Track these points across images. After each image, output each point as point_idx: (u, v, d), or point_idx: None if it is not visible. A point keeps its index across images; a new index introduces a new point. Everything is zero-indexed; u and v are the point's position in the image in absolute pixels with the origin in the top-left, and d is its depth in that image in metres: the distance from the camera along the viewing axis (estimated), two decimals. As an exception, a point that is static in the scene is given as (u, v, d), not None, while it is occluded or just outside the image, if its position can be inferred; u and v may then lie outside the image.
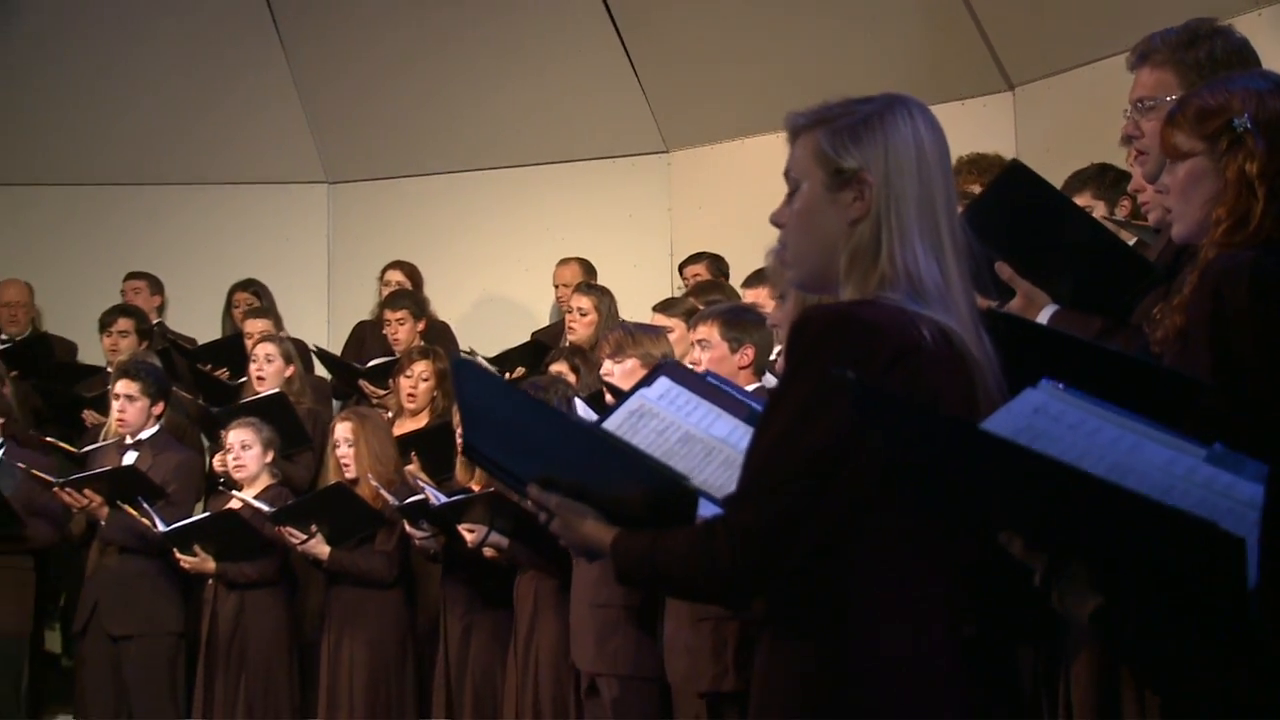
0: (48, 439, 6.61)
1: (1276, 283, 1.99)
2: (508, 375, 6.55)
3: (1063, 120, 6.33)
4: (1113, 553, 1.69)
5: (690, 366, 3.53)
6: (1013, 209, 2.84)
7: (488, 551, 5.06)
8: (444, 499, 5.15)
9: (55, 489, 5.85)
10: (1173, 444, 1.61)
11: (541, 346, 6.91)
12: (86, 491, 5.79)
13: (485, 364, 6.64)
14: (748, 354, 4.48)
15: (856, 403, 1.75)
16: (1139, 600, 1.74)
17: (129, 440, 6.04)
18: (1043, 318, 2.82)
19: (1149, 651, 1.85)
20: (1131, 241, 3.37)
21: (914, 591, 1.89)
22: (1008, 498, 1.75)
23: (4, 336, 7.59)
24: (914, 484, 1.85)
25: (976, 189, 4.94)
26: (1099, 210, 4.27)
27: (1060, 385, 1.66)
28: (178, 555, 5.68)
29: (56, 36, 8.17)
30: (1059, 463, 1.55)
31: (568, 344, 6.39)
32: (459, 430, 5.03)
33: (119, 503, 5.80)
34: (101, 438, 6.34)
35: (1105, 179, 4.51)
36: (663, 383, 2.19)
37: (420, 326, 7.00)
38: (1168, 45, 2.68)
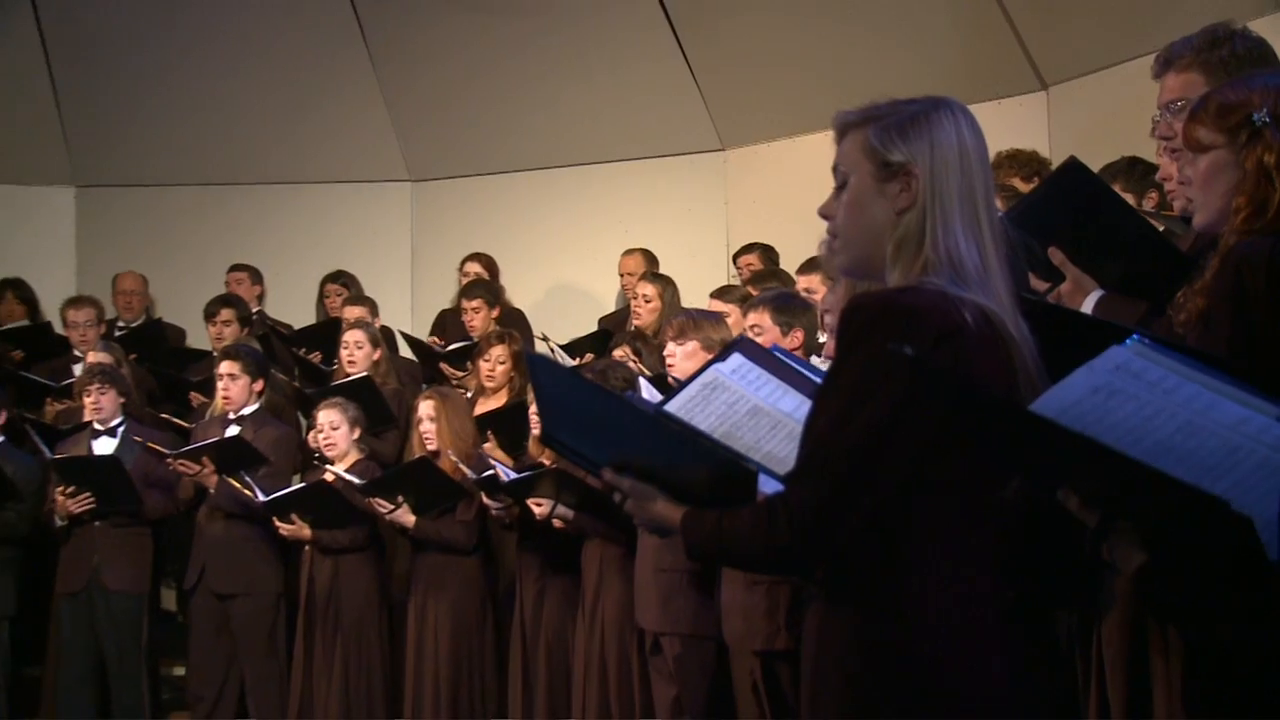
0: (162, 414, 6.70)
1: None
2: (577, 360, 6.54)
3: (1095, 118, 6.23)
4: (1149, 519, 1.67)
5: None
6: (1067, 200, 2.84)
7: (555, 523, 5.07)
8: (513, 475, 5.17)
9: (169, 460, 5.93)
10: (1249, 403, 1.56)
11: (608, 334, 6.91)
12: (197, 459, 5.85)
13: (559, 354, 6.66)
14: (797, 336, 4.48)
15: (912, 376, 1.74)
16: (1177, 561, 1.73)
17: (232, 416, 6.09)
18: (1089, 300, 2.80)
19: (1185, 606, 1.84)
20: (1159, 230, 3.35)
21: (962, 558, 1.88)
22: (1053, 465, 1.73)
23: (121, 323, 7.70)
24: (962, 455, 1.84)
25: (1016, 182, 4.91)
26: (1128, 202, 4.25)
27: (1146, 341, 1.62)
28: (277, 523, 5.73)
29: (172, 56, 8.26)
30: (1089, 439, 1.52)
31: (632, 328, 6.39)
32: (533, 415, 5.07)
33: (225, 474, 5.87)
34: (208, 415, 6.41)
35: (1135, 172, 4.45)
36: (736, 358, 2.17)
37: (495, 313, 7.01)
38: (1191, 49, 2.66)
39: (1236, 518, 1.45)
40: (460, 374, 6.63)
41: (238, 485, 5.81)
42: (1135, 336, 1.63)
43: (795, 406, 2.10)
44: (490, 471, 5.28)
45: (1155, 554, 1.73)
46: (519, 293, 7.78)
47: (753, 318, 4.58)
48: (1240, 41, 2.63)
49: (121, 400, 6.21)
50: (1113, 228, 2.82)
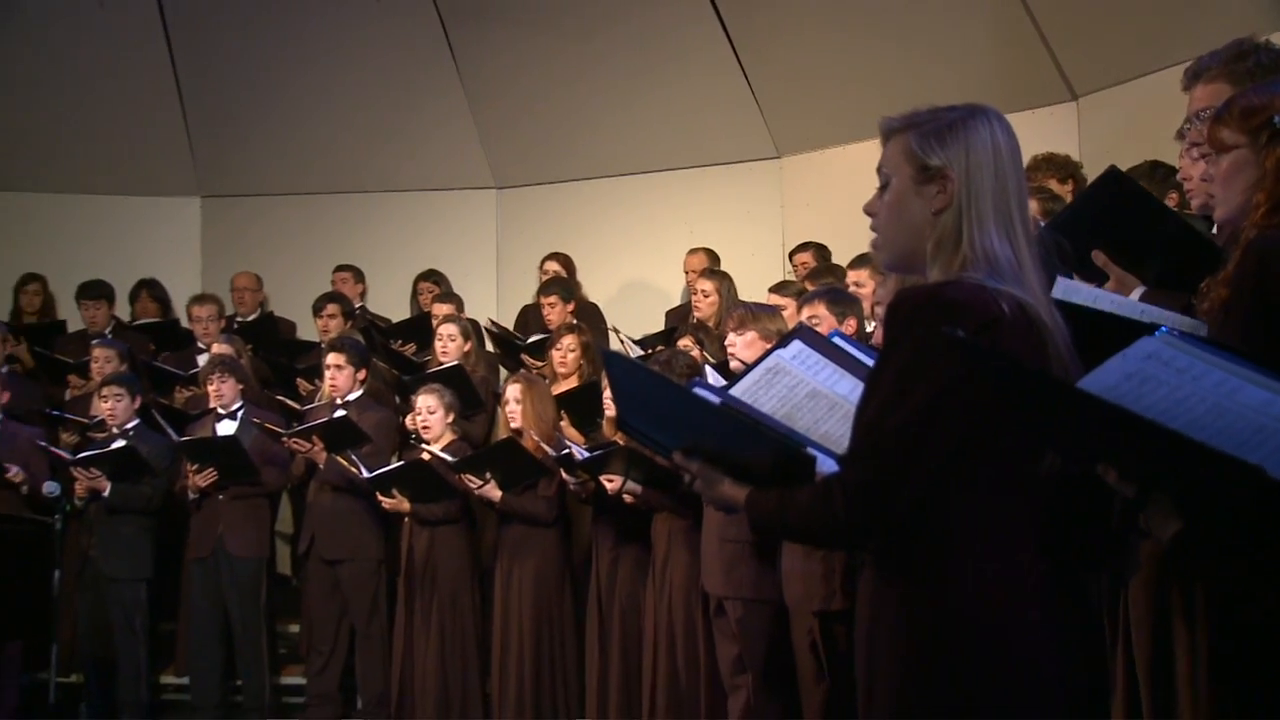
0: (278, 397, 6.78)
1: None
2: (648, 352, 6.53)
3: (1123, 127, 6.10)
4: (1187, 488, 1.65)
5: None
6: (1108, 206, 2.82)
7: (626, 497, 5.07)
8: (586, 454, 5.18)
9: (284, 439, 6.01)
10: (1272, 387, 1.54)
11: (674, 329, 6.90)
12: (308, 439, 5.92)
13: (629, 345, 6.66)
14: (850, 325, 4.47)
15: (965, 358, 1.72)
16: (1212, 528, 1.71)
17: (338, 401, 6.14)
18: (1133, 297, 2.78)
19: (1219, 570, 1.83)
20: None
21: (1005, 529, 1.87)
22: (1095, 440, 1.71)
23: (239, 318, 7.79)
24: (1002, 434, 1.82)
25: (1052, 183, 4.84)
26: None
27: (1175, 333, 1.60)
28: (379, 497, 5.78)
29: (284, 80, 8.35)
30: (1136, 414, 1.51)
31: (694, 320, 6.37)
32: (607, 399, 5.08)
33: (332, 452, 5.93)
34: (317, 400, 6.46)
35: (1156, 175, 4.39)
36: (796, 345, 2.15)
37: (571, 307, 7.02)
38: (1219, 61, 2.62)
39: (1272, 483, 1.43)
40: (539, 364, 6.66)
41: (344, 462, 5.87)
42: (1164, 329, 1.60)
43: (851, 389, 2.08)
44: (568, 450, 5.30)
45: (1191, 522, 1.71)
46: (593, 288, 7.79)
47: (809, 309, 4.57)
48: (1265, 54, 2.59)
49: (240, 387, 6.29)
50: (1151, 228, 2.79)
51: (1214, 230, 2.81)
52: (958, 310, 1.81)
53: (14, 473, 6.03)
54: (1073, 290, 2.09)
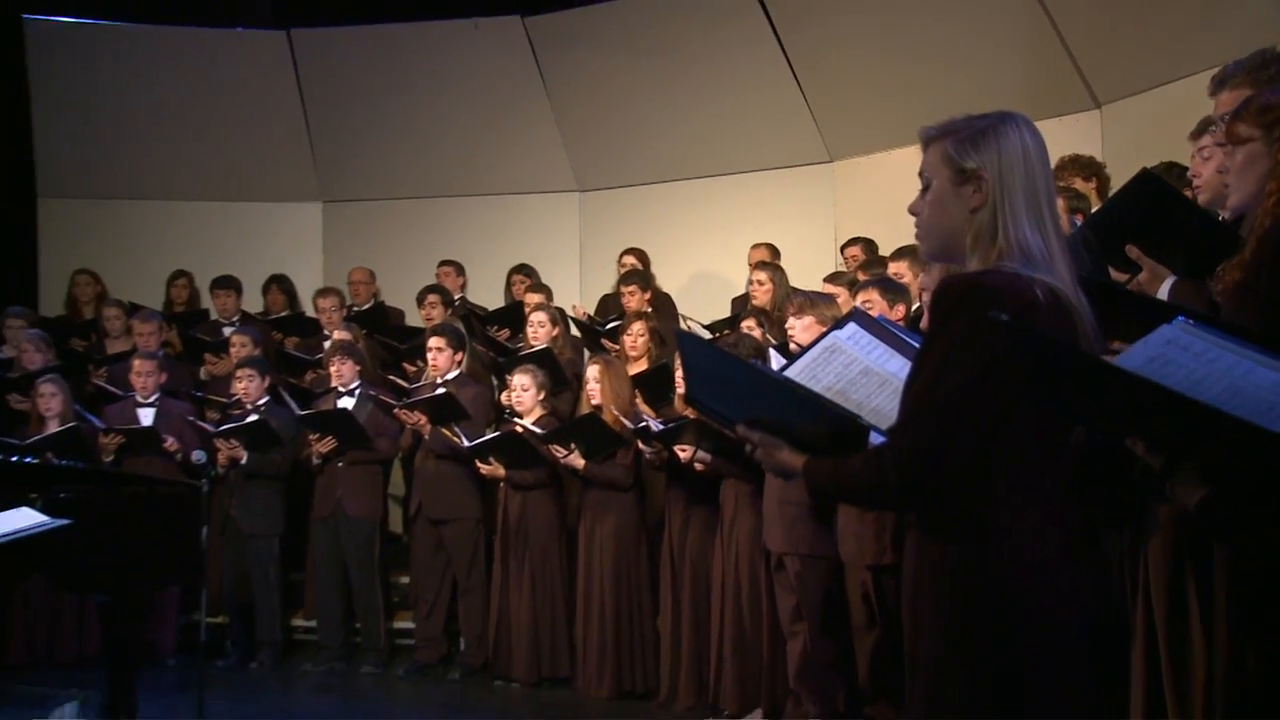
0: (389, 376, 6.86)
1: None
2: (716, 335, 6.52)
3: (1145, 134, 5.88)
4: (1213, 457, 1.64)
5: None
6: (1141, 204, 2.78)
7: (696, 465, 5.07)
8: (661, 426, 5.18)
9: (395, 411, 6.07)
10: None
11: (739, 316, 6.88)
12: (416, 413, 5.98)
13: (698, 331, 6.65)
14: (900, 310, 4.43)
15: (1010, 339, 1.71)
16: (1237, 493, 1.69)
17: (440, 380, 6.18)
18: (1165, 286, 2.75)
19: (1244, 531, 1.80)
20: None
21: (1036, 494, 1.86)
22: (1129, 413, 1.69)
23: (355, 307, 7.87)
24: (1036, 408, 1.81)
25: (1077, 182, 4.74)
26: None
27: (1191, 321, 1.59)
28: (478, 464, 5.84)
29: (395, 96, 8.44)
30: (1164, 387, 1.50)
31: (752, 306, 6.38)
32: (679, 381, 5.08)
33: (436, 424, 5.98)
34: (422, 379, 6.51)
35: (1172, 174, 4.29)
36: (851, 326, 2.14)
37: (647, 296, 7.00)
38: (1243, 70, 2.59)
39: None
40: (617, 346, 6.69)
41: (447, 433, 5.93)
42: (1181, 317, 1.60)
43: (900, 368, 2.06)
44: (644, 424, 5.31)
45: (1215, 488, 1.68)
46: (666, 279, 7.77)
47: (864, 295, 4.54)
48: None
49: (358, 368, 6.36)
50: (1181, 224, 2.75)
51: (1221, 219, 2.77)
52: (997, 296, 1.80)
53: (170, 443, 6.20)
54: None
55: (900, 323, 4.25)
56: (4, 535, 3.98)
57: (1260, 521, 1.73)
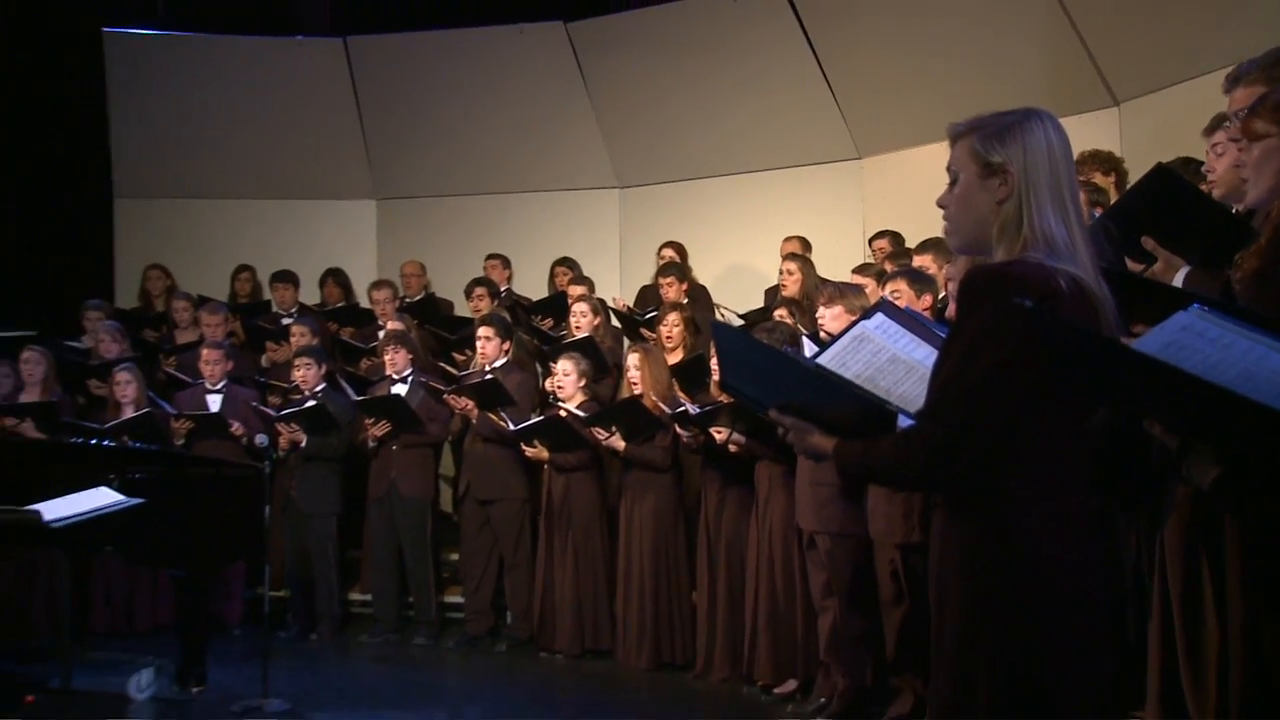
0: (440, 364, 6.88)
1: None
2: (750, 325, 6.50)
3: (1162, 131, 5.75)
4: (1227, 437, 1.63)
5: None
6: (1157, 197, 2.76)
7: (731, 447, 5.07)
8: (698, 410, 5.18)
9: (445, 396, 6.09)
10: None
11: (772, 306, 6.86)
12: (464, 398, 6.01)
13: (734, 321, 6.63)
14: (927, 300, 4.41)
15: (1033, 325, 1.70)
16: (1250, 472, 1.67)
17: (488, 368, 6.20)
18: (1180, 275, 2.73)
19: (1257, 509, 1.79)
20: None
21: (1057, 475, 1.85)
22: (1151, 397, 1.68)
23: (408, 299, 7.91)
24: (1058, 393, 1.79)
25: (1097, 176, 4.68)
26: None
27: (1206, 308, 1.58)
28: (523, 447, 5.85)
29: (444, 99, 8.49)
30: (1190, 374, 1.49)
31: (782, 296, 6.37)
32: (713, 366, 5.07)
33: (483, 409, 6.00)
34: (470, 367, 6.53)
35: (1188, 169, 4.24)
36: (879, 316, 2.13)
37: (684, 287, 6.98)
38: (1257, 67, 2.56)
39: None
40: (655, 336, 6.68)
41: (494, 417, 5.96)
42: (1196, 305, 1.58)
43: (926, 356, 2.05)
44: (681, 408, 5.31)
45: (1229, 468, 1.66)
46: (702, 271, 7.75)
47: (892, 285, 4.52)
48: None
49: (410, 356, 6.39)
50: (1195, 216, 2.72)
51: (1235, 211, 2.73)
52: (1022, 285, 1.79)
53: (236, 427, 6.27)
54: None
55: (926, 313, 4.24)
56: (85, 513, 4.07)
57: (1272, 500, 1.71)
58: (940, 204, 2.01)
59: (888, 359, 2.08)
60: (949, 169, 1.99)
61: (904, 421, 1.96)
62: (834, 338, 2.26)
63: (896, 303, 4.27)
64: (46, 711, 4.75)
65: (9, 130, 8.12)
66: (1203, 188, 4.03)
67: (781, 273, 6.45)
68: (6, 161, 8.15)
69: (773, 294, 7.15)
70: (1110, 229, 2.65)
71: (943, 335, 2.08)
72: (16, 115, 8.15)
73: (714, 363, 5.14)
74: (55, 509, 4.04)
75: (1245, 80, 2.56)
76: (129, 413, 6.18)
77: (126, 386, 6.30)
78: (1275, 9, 5.42)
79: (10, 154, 8.15)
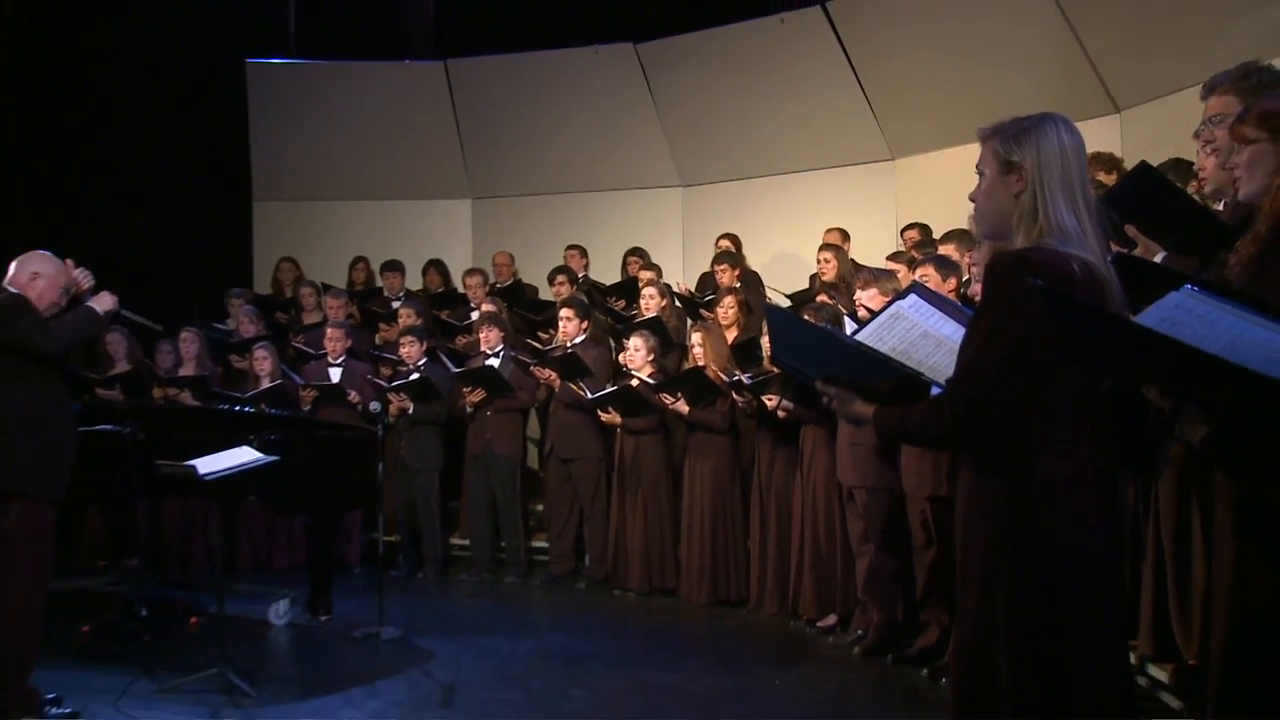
0: (527, 341, 6.94)
1: None
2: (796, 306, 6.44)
3: (1162, 137, 5.49)
4: (1215, 398, 1.63)
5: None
6: (1140, 191, 2.74)
7: (781, 413, 5.06)
8: (751, 380, 5.16)
9: (532, 369, 6.12)
10: (1273, 329, 1.53)
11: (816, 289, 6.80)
12: (548, 370, 6.06)
13: (783, 303, 6.58)
14: (951, 283, 4.34)
15: (1045, 303, 1.69)
16: (1233, 431, 1.68)
17: (568, 344, 6.23)
18: (1156, 259, 2.71)
19: (1240, 462, 1.78)
20: None
21: (1070, 437, 1.85)
22: (1148, 364, 1.68)
23: (498, 284, 7.97)
24: (1076, 361, 1.79)
25: (1100, 175, 4.60)
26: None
27: (1196, 288, 1.58)
28: (599, 412, 5.88)
29: (529, 104, 8.47)
30: (1180, 342, 1.50)
31: (820, 281, 6.33)
32: (765, 343, 5.05)
33: (565, 380, 6.03)
34: (553, 343, 6.55)
35: (1179, 169, 4.15)
36: (912, 297, 2.12)
37: (737, 273, 6.93)
38: (1229, 79, 2.53)
39: None
40: (713, 316, 6.65)
41: (574, 387, 6.00)
42: (1189, 285, 1.59)
43: (954, 331, 2.05)
44: (738, 377, 5.30)
45: (1217, 427, 1.66)
46: (754, 259, 7.67)
47: (921, 270, 4.44)
48: (1265, 74, 2.51)
49: (501, 334, 6.40)
50: (1172, 208, 2.70)
51: (1218, 207, 2.72)
52: (1041, 268, 1.79)
53: (353, 396, 6.36)
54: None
55: (951, 294, 4.17)
56: (232, 468, 4.20)
57: (1256, 454, 1.71)
58: (971, 197, 2.02)
59: (920, 334, 2.07)
60: (977, 167, 2.00)
61: (934, 390, 1.96)
62: (872, 316, 2.26)
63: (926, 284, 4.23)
64: (206, 632, 4.93)
65: (164, 147, 8.41)
66: (1192, 186, 3.98)
67: (819, 261, 6.42)
68: (163, 173, 8.44)
69: (815, 279, 7.09)
70: (1114, 217, 2.65)
71: (968, 314, 2.07)
72: (171, 135, 8.45)
73: (765, 339, 5.12)
74: (208, 464, 4.15)
75: (1219, 90, 2.55)
76: (265, 384, 6.29)
77: (263, 361, 6.43)
78: (1264, 25, 5.25)
79: (165, 167, 8.44)
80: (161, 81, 8.41)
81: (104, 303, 3.84)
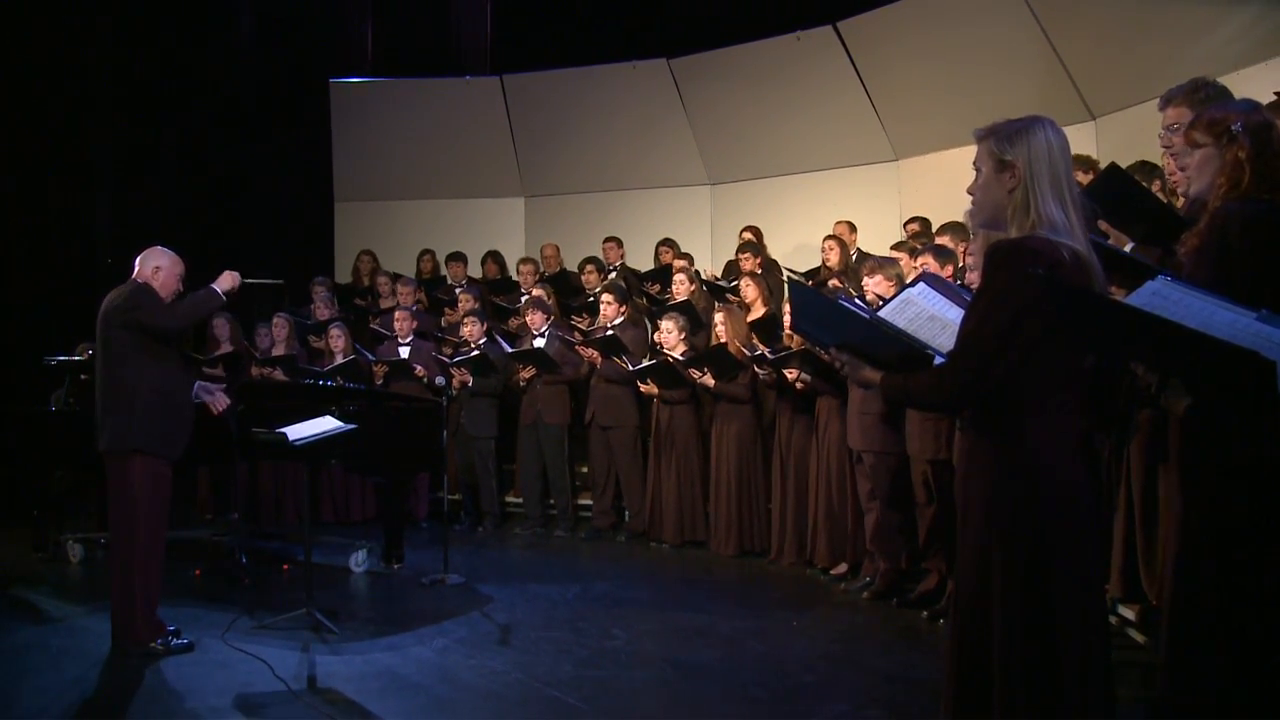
0: (572, 321, 6.92)
1: (1257, 223, 1.88)
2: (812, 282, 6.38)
3: (1136, 144, 5.30)
4: (1196, 372, 1.64)
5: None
6: (1111, 189, 2.74)
7: (799, 385, 5.03)
8: (771, 355, 5.12)
9: (577, 347, 6.13)
10: (1236, 310, 1.55)
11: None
12: (591, 349, 6.06)
13: (803, 280, 6.52)
14: (948, 269, 4.29)
15: (1044, 288, 1.70)
16: (1212, 402, 1.69)
17: (608, 325, 6.22)
18: (1126, 250, 2.69)
19: (1216, 431, 1.78)
20: None
21: (1059, 405, 1.85)
22: (1134, 342, 1.69)
23: (546, 273, 7.95)
24: (1060, 340, 1.80)
25: (1078, 174, 4.49)
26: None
27: (1170, 278, 1.61)
28: (638, 384, 5.87)
29: (575, 108, 8.46)
30: (1165, 319, 1.52)
31: (827, 267, 6.29)
32: (786, 317, 5.01)
33: (606, 357, 6.02)
34: (594, 324, 6.52)
35: (1144, 170, 4.10)
36: (922, 285, 2.15)
37: (758, 261, 6.87)
38: (1182, 92, 2.55)
39: (1263, 363, 1.41)
40: (737, 299, 6.60)
41: (617, 360, 5.99)
42: (1163, 275, 1.61)
43: (956, 315, 2.06)
44: (758, 352, 5.26)
45: (1197, 399, 1.65)
46: (774, 248, 7.60)
47: (922, 259, 4.41)
48: (1211, 89, 2.52)
49: (546, 317, 6.41)
50: (1139, 205, 2.69)
51: (1189, 202, 2.68)
52: (1034, 255, 1.80)
53: (420, 371, 6.40)
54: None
55: (948, 279, 4.11)
56: (317, 434, 4.26)
57: (1231, 423, 1.72)
58: (969, 191, 2.02)
59: (927, 317, 2.10)
60: (974, 165, 1.98)
61: (938, 361, 1.97)
62: (886, 300, 2.25)
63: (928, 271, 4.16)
64: (296, 577, 5.03)
65: (261, 157, 8.65)
66: (1155, 184, 3.92)
67: (823, 249, 6.45)
68: (259, 179, 8.68)
69: (822, 265, 7.03)
70: (1096, 210, 2.64)
71: (969, 298, 2.07)
72: (266, 145, 8.68)
73: (785, 316, 5.09)
74: (296, 431, 4.22)
75: (1174, 102, 2.55)
76: (341, 360, 6.33)
77: (338, 339, 6.47)
78: (1228, 39, 5.13)
79: (262, 173, 8.68)
80: (258, 100, 8.71)
81: (224, 283, 3.96)
